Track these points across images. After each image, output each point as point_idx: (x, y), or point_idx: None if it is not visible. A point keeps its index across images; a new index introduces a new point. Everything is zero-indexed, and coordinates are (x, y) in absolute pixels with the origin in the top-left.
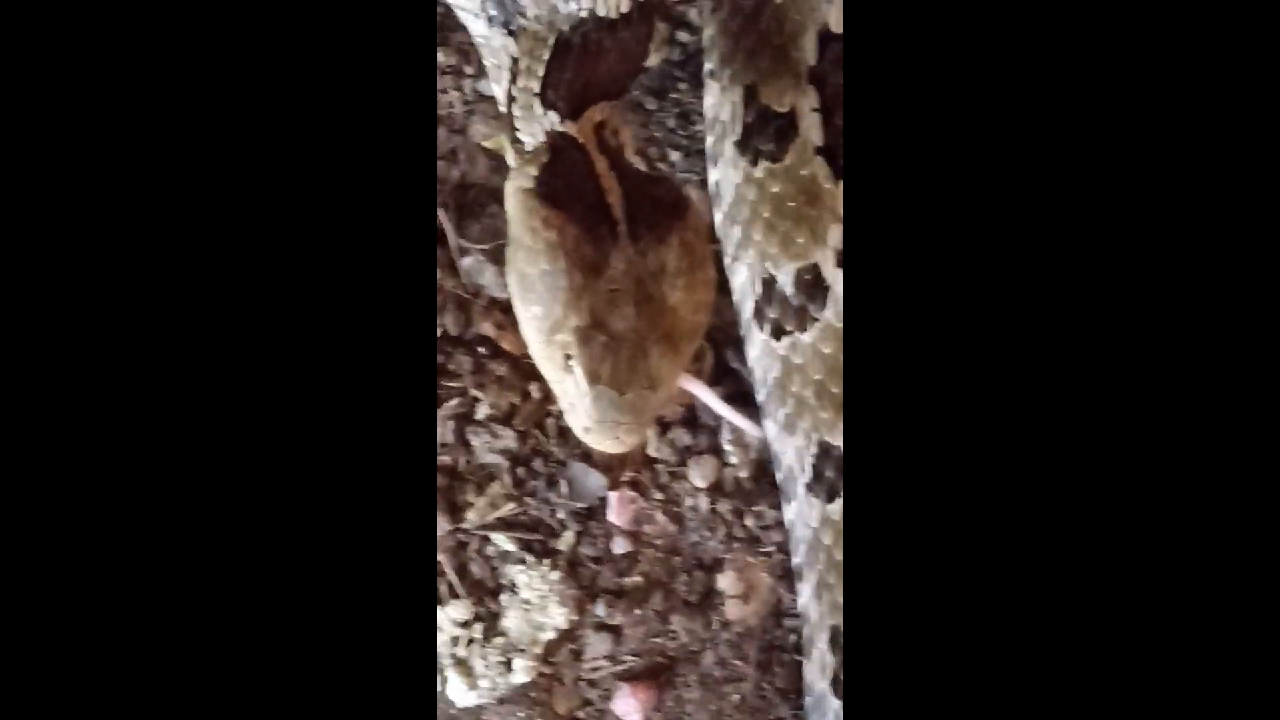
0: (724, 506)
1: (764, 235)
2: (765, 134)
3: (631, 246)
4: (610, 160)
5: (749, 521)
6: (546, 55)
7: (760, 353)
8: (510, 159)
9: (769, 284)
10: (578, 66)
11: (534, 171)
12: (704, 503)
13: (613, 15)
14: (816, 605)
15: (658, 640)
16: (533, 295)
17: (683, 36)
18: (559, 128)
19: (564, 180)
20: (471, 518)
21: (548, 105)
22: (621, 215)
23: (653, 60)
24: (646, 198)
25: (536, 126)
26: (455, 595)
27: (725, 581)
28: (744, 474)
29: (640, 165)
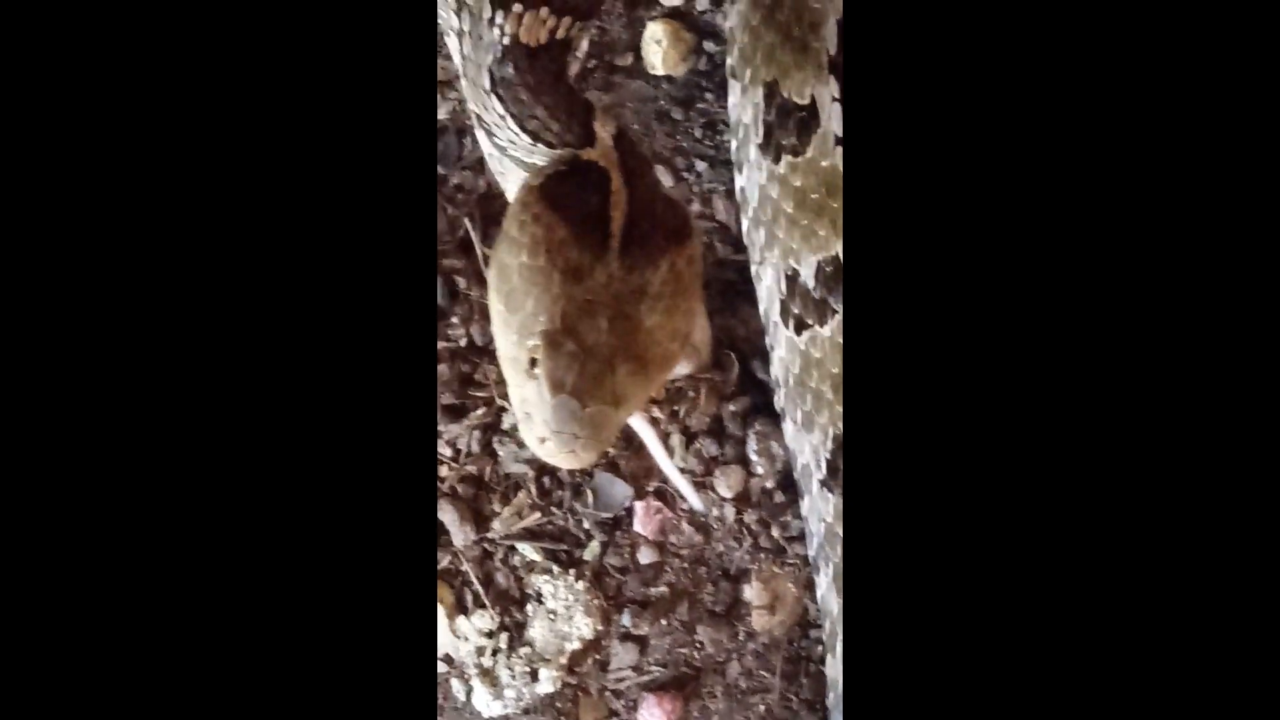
0: (750, 517)
1: (786, 231)
2: (787, 128)
3: (618, 262)
4: (627, 178)
5: (775, 532)
6: (492, 103)
7: (784, 351)
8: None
9: (792, 279)
10: (535, 94)
11: (549, 172)
12: (730, 513)
13: (532, 44)
14: (836, 598)
15: (683, 650)
16: (507, 288)
17: (709, 46)
18: (584, 156)
19: (571, 186)
20: (497, 527)
21: (557, 145)
22: (618, 230)
23: (679, 70)
24: (649, 217)
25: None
26: (481, 605)
27: (751, 592)
28: (770, 484)
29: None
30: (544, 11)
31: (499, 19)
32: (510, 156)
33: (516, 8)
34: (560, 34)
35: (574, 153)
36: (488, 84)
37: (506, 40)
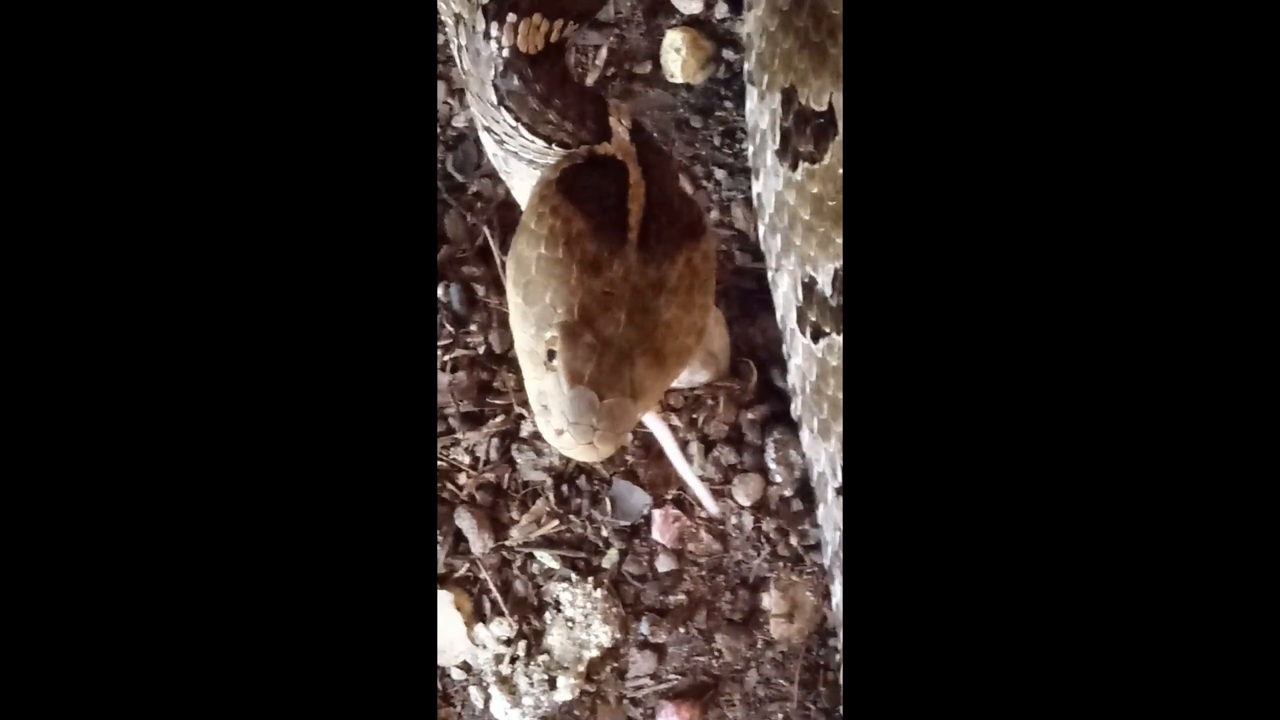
0: (768, 525)
1: (803, 238)
2: (804, 135)
3: (636, 255)
4: (645, 171)
5: (793, 540)
6: (501, 115)
7: (801, 359)
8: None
9: (809, 286)
10: (544, 100)
11: (565, 165)
12: (748, 521)
13: (531, 51)
14: None
15: (701, 659)
16: (525, 280)
17: (728, 54)
18: (600, 151)
19: (590, 180)
20: (515, 535)
21: (573, 145)
22: (636, 224)
23: (698, 79)
24: (667, 211)
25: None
26: (499, 613)
27: (769, 600)
28: (788, 492)
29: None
30: (537, 18)
31: (494, 31)
32: (523, 159)
33: (511, 18)
34: (554, 38)
35: (590, 147)
36: (494, 98)
37: (506, 52)
